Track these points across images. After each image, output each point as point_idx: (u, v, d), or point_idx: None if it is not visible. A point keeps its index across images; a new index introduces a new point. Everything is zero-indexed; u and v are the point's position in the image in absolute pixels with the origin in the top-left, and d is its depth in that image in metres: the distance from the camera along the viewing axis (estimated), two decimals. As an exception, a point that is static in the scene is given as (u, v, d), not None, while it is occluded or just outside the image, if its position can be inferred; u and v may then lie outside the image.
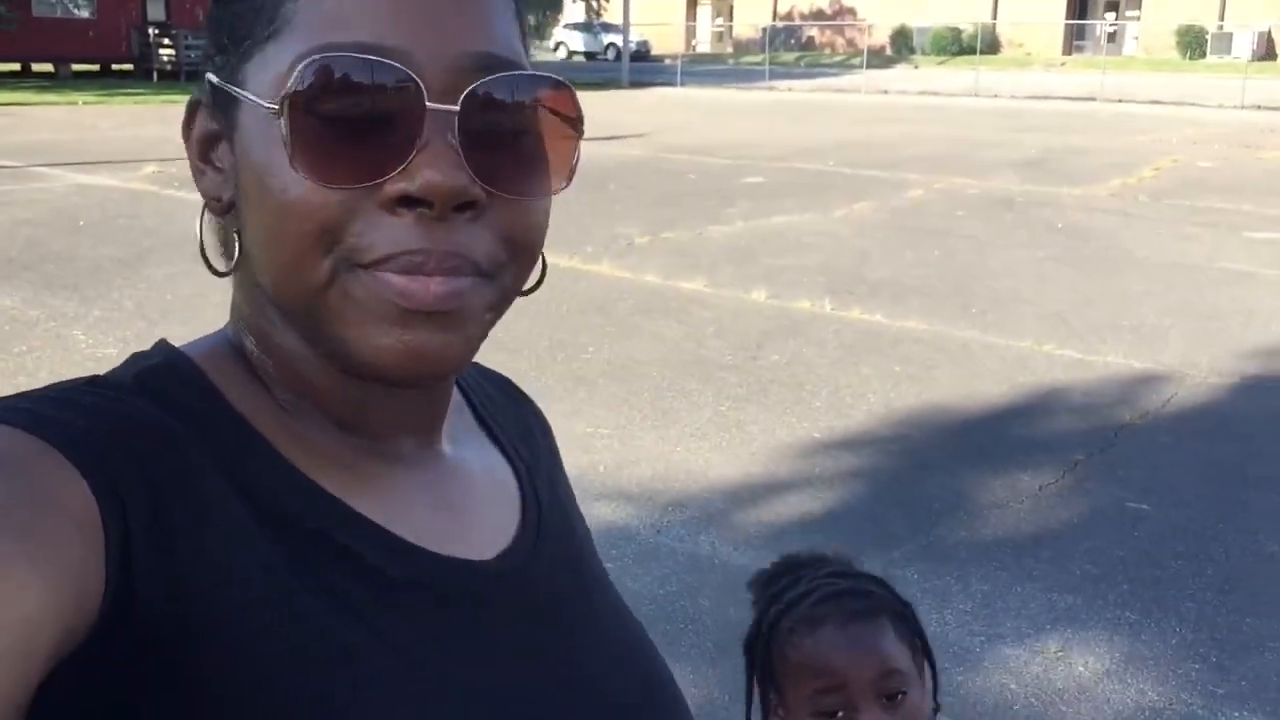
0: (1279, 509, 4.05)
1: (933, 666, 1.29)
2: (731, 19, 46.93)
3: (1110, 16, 38.60)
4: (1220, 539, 3.79)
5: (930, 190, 11.35)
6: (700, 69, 35.40)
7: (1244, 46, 33.33)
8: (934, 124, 18.81)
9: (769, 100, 24.99)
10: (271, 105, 0.58)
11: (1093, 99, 23.39)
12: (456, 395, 0.75)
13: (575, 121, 0.64)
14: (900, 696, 1.22)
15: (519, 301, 0.65)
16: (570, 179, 0.64)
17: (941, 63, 36.44)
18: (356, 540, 0.61)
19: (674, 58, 34.17)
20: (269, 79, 0.59)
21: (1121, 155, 14.02)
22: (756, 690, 1.30)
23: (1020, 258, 8.19)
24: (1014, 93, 25.15)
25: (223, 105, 0.63)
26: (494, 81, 0.59)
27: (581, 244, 8.19)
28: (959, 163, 13.48)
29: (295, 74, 0.57)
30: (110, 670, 0.51)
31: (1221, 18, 35.20)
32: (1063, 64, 34.62)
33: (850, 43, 42.82)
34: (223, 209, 0.64)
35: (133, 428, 0.56)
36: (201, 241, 0.66)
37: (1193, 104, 22.00)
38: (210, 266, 0.66)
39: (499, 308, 0.63)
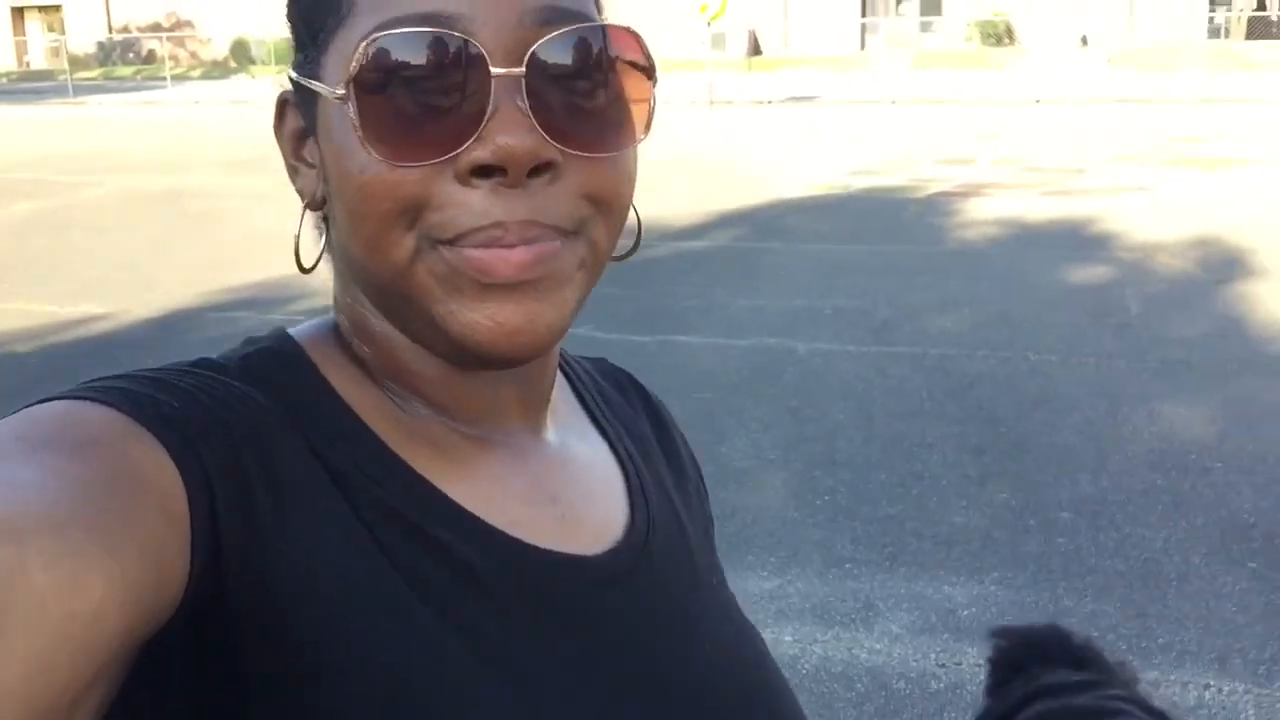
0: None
1: None
2: (64, 33, 42.50)
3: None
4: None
5: (110, 191, 12.50)
6: (25, 86, 35.33)
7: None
8: (178, 128, 20.27)
9: (58, 116, 24.13)
10: (339, 92, 0.58)
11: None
12: (563, 382, 0.74)
13: (648, 69, 0.62)
14: None
15: None
16: (648, 129, 0.62)
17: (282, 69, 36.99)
18: (451, 532, 0.60)
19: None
20: (341, 66, 0.58)
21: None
22: None
23: (135, 238, 9.73)
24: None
25: (305, 100, 0.63)
26: (558, 38, 0.58)
27: None
28: (164, 164, 14.56)
29: (356, 56, 0.57)
30: (204, 651, 0.51)
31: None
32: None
33: (194, 55, 41.66)
34: (316, 205, 0.64)
35: (227, 411, 0.56)
36: (297, 239, 0.66)
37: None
38: (299, 264, 0.66)
39: (591, 267, 0.61)
